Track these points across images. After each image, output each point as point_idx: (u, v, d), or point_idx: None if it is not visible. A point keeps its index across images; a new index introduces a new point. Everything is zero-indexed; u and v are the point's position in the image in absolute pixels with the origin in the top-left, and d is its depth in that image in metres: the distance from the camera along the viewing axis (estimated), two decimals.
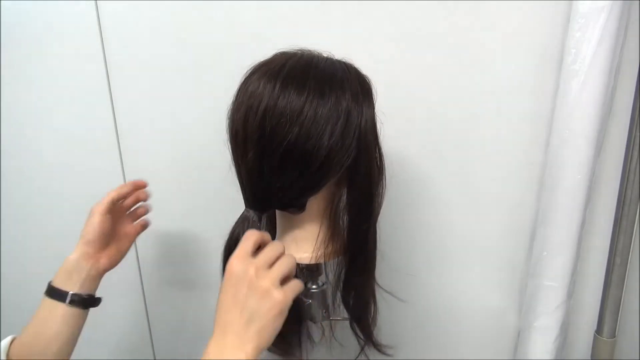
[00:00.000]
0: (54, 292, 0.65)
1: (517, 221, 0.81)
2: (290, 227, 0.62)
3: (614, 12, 0.63)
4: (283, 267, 0.54)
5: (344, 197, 0.62)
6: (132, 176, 0.90)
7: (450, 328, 0.90)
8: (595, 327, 0.78)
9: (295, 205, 0.59)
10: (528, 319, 0.79)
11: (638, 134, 0.68)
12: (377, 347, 0.71)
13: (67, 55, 0.84)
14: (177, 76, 0.83)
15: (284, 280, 0.53)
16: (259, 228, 0.58)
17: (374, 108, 0.58)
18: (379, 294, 0.69)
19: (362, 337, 0.70)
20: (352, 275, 0.65)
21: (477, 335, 0.89)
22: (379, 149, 0.60)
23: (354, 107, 0.54)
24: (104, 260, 0.69)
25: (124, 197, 0.73)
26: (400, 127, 0.77)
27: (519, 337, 0.83)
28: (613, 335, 0.77)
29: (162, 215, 0.91)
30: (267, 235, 0.56)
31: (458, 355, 0.91)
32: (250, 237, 0.54)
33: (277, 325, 0.51)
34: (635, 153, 0.68)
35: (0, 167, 0.92)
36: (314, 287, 0.68)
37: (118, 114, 0.86)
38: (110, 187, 0.90)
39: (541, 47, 0.72)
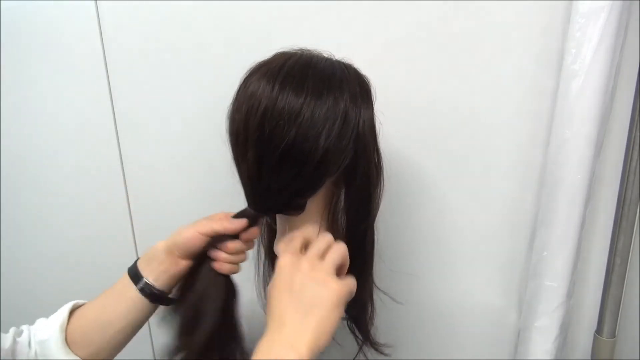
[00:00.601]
0: (133, 270, 0.62)
1: (517, 221, 0.81)
2: (290, 227, 0.63)
3: (614, 12, 0.63)
4: (335, 256, 0.54)
5: (342, 198, 0.62)
6: (132, 176, 0.90)
7: (449, 328, 0.90)
8: (595, 327, 0.78)
9: (292, 206, 0.59)
10: (528, 319, 0.79)
11: (638, 134, 0.68)
12: (375, 346, 0.71)
13: (67, 55, 0.84)
14: (177, 76, 0.83)
15: (339, 272, 0.53)
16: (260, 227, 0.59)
17: (372, 109, 0.58)
18: (377, 295, 0.69)
19: (359, 336, 0.70)
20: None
21: (477, 335, 0.89)
22: (378, 150, 0.60)
23: (351, 108, 0.54)
24: (183, 265, 0.63)
25: (230, 233, 0.62)
26: (399, 128, 0.77)
27: (519, 337, 0.83)
28: (613, 335, 0.77)
29: (162, 214, 0.91)
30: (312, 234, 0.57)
31: (458, 355, 0.91)
32: (298, 235, 0.56)
33: (336, 317, 0.50)
34: (635, 153, 0.68)
35: (0, 166, 0.92)
36: None
37: (118, 114, 0.86)
38: (110, 187, 0.90)
39: (541, 47, 0.72)
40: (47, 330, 0.62)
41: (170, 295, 0.63)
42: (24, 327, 0.63)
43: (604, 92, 0.67)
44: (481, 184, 0.80)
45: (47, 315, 0.66)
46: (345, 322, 0.70)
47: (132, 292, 0.62)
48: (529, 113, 0.75)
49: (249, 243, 0.62)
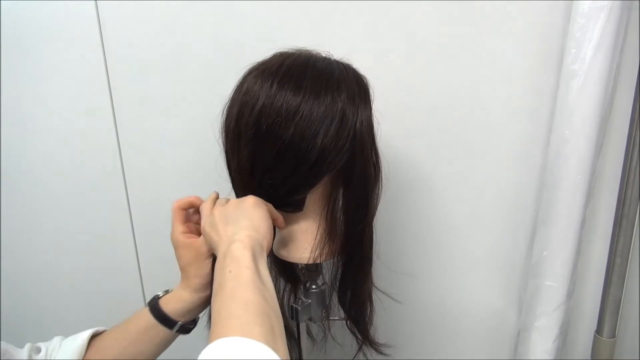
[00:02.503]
0: (162, 318, 0.61)
1: (517, 221, 0.81)
2: (289, 226, 0.63)
3: (614, 12, 0.63)
4: None
5: (341, 197, 0.62)
6: (132, 176, 0.90)
7: (449, 328, 0.90)
8: (595, 327, 0.78)
9: (289, 203, 0.59)
10: (528, 319, 0.79)
11: (638, 134, 0.68)
12: (374, 346, 0.71)
13: (67, 55, 0.84)
14: (177, 76, 0.83)
15: None
16: None
17: (371, 109, 0.58)
18: (377, 295, 0.69)
19: (358, 336, 0.70)
20: (349, 275, 0.65)
21: (477, 335, 0.89)
22: (376, 150, 0.60)
23: (349, 108, 0.55)
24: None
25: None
26: (399, 128, 0.77)
27: (519, 337, 0.83)
28: (613, 335, 0.77)
29: (162, 214, 0.91)
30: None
31: (458, 355, 0.91)
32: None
33: (260, 213, 0.55)
34: (635, 153, 0.68)
35: (0, 166, 0.92)
36: (313, 287, 0.68)
37: (118, 114, 0.86)
38: (109, 186, 0.90)
39: (541, 47, 0.72)
40: (66, 354, 0.60)
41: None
42: (42, 346, 0.62)
43: (604, 92, 0.67)
44: (481, 183, 0.80)
45: (47, 319, 0.66)
46: (344, 322, 0.70)
47: (163, 333, 0.61)
48: (529, 113, 0.75)
49: None
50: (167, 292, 0.63)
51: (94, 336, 0.63)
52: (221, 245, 0.52)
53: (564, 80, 0.68)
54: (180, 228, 0.62)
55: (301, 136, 0.53)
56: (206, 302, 0.62)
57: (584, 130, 0.68)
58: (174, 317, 0.61)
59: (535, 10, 0.70)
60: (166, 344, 0.63)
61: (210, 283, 0.61)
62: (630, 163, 0.69)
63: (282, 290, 0.75)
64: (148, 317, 0.61)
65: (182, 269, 0.61)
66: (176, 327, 0.61)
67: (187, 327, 0.63)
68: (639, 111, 0.67)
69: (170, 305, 0.61)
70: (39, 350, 0.62)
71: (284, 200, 0.58)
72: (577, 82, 0.66)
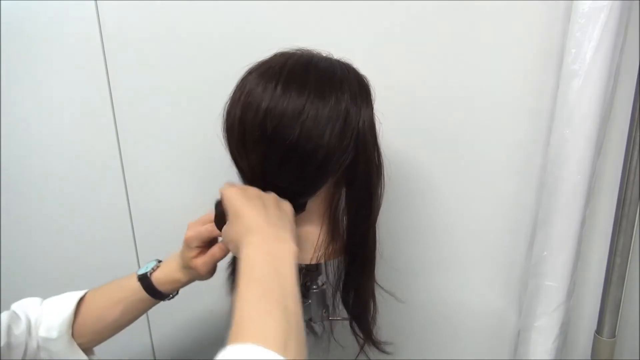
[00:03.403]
0: (155, 293, 0.65)
1: (517, 221, 0.81)
2: None
3: (614, 12, 0.63)
4: None
5: (344, 198, 0.61)
6: (132, 176, 0.90)
7: (450, 328, 0.90)
8: (595, 327, 0.78)
9: (293, 205, 0.59)
10: (528, 319, 0.79)
11: (638, 134, 0.68)
12: (377, 345, 0.71)
13: (67, 55, 0.84)
14: (177, 76, 0.83)
15: None
16: None
17: (372, 108, 0.58)
18: (379, 294, 0.69)
19: (361, 336, 0.70)
20: (352, 275, 0.65)
21: (477, 335, 0.89)
22: (378, 150, 0.60)
23: (352, 108, 0.54)
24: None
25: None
26: (399, 127, 0.77)
27: (519, 337, 0.83)
28: (613, 335, 0.77)
29: (162, 214, 0.91)
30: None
31: (458, 355, 0.91)
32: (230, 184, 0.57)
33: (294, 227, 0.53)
34: (635, 153, 0.68)
35: (0, 166, 0.92)
36: (313, 287, 0.69)
37: (118, 114, 0.86)
38: (109, 187, 0.90)
39: (541, 47, 0.72)
40: (53, 328, 0.62)
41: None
42: (19, 312, 0.62)
43: (604, 92, 0.67)
44: (481, 183, 0.80)
45: None
46: (345, 322, 0.70)
47: (150, 302, 0.66)
48: (529, 113, 0.75)
49: None
50: (157, 265, 0.67)
51: (79, 301, 0.65)
52: (262, 234, 0.48)
53: (564, 80, 0.68)
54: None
55: (308, 137, 0.52)
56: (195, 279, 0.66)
57: (584, 130, 0.68)
58: (164, 292, 0.66)
59: (535, 10, 0.70)
60: (151, 307, 0.68)
61: (212, 269, 0.64)
62: (630, 163, 0.69)
63: None
64: (140, 293, 0.65)
65: (186, 260, 0.64)
66: (166, 299, 0.67)
67: (172, 296, 0.69)
68: (639, 111, 0.67)
69: (163, 286, 0.65)
70: (18, 318, 0.61)
71: (290, 203, 0.58)
72: (577, 82, 0.66)
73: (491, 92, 0.75)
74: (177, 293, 0.69)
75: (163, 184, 0.90)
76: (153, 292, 0.65)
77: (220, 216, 0.58)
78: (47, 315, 0.63)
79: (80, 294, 0.66)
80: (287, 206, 0.55)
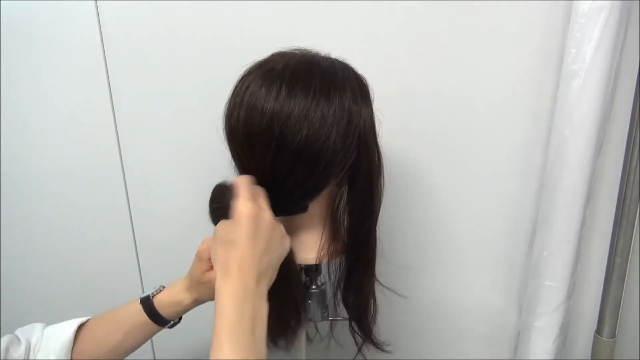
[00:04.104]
0: (156, 317, 0.64)
1: (517, 221, 0.81)
2: (292, 228, 0.62)
3: (614, 12, 0.63)
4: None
5: (345, 197, 0.61)
6: (132, 176, 0.90)
7: (450, 328, 0.90)
8: (595, 327, 0.78)
9: (297, 208, 0.59)
10: (528, 319, 0.79)
11: (638, 134, 0.68)
12: (377, 345, 0.71)
13: (67, 55, 0.84)
14: (177, 76, 0.83)
15: None
16: None
17: (372, 108, 0.58)
18: (380, 294, 0.69)
19: (361, 336, 0.69)
20: (353, 275, 0.65)
21: (477, 335, 0.89)
22: (378, 149, 0.60)
23: (354, 107, 0.54)
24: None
25: None
26: (399, 127, 0.77)
27: (519, 337, 0.83)
28: (613, 335, 0.77)
29: (162, 215, 0.91)
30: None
31: (458, 355, 0.91)
32: (245, 181, 0.54)
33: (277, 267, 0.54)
34: (635, 153, 0.68)
35: (0, 166, 0.92)
36: (313, 287, 0.68)
37: (118, 114, 0.86)
38: (109, 187, 0.90)
39: (541, 47, 0.72)
40: (52, 353, 0.61)
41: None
42: (20, 336, 0.62)
43: (604, 92, 0.67)
44: (481, 183, 0.80)
45: (47, 319, 0.66)
46: (344, 322, 0.70)
47: (154, 329, 0.65)
48: (529, 113, 0.75)
49: None
50: (160, 289, 0.66)
51: (79, 327, 0.64)
52: (251, 272, 0.50)
53: (564, 80, 0.68)
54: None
55: (315, 138, 0.52)
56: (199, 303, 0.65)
57: (584, 130, 0.68)
58: (167, 318, 0.64)
59: (535, 10, 0.70)
60: (153, 334, 0.66)
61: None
62: (630, 163, 0.69)
63: None
64: (141, 317, 0.64)
65: (197, 273, 0.63)
66: (167, 326, 0.65)
67: (175, 323, 0.67)
68: (639, 111, 0.67)
69: (166, 309, 0.64)
70: (18, 342, 0.61)
71: (294, 204, 0.58)
72: (577, 82, 0.66)
73: (491, 92, 0.75)
74: (180, 320, 0.68)
75: (163, 184, 0.90)
76: (155, 315, 0.64)
77: (219, 210, 0.56)
78: (47, 339, 0.63)
79: (82, 319, 0.65)
80: (287, 243, 0.55)
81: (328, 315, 0.70)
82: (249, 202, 0.51)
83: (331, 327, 0.78)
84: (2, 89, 0.87)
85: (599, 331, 0.78)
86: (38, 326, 0.65)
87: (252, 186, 0.54)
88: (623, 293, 0.75)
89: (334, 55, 0.60)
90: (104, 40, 0.82)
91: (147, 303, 0.64)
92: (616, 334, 0.77)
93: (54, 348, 0.61)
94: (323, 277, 0.69)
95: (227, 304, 0.48)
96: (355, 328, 0.69)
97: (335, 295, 0.70)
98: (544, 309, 0.77)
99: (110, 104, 0.86)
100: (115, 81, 0.85)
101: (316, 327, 0.77)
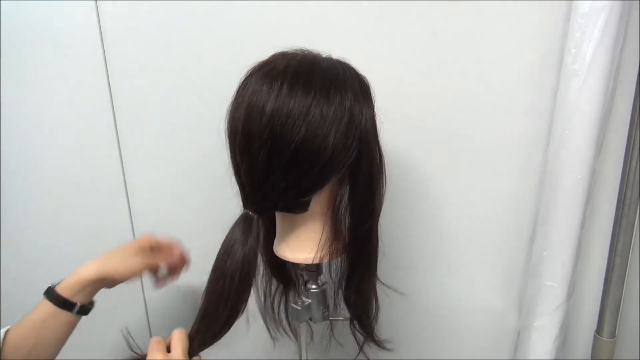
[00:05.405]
0: (61, 302, 0.64)
1: (517, 221, 0.81)
2: (292, 227, 0.62)
3: (614, 12, 0.63)
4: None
5: (346, 196, 0.62)
6: (132, 177, 0.90)
7: (450, 328, 0.90)
8: (595, 327, 0.78)
9: (296, 205, 0.59)
10: (528, 319, 0.79)
11: (638, 134, 0.68)
12: (378, 343, 0.71)
13: (67, 56, 0.84)
14: (177, 77, 0.83)
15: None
16: (257, 228, 0.58)
17: (373, 107, 0.58)
18: (381, 293, 0.69)
19: (363, 334, 0.70)
20: (354, 274, 0.65)
21: (477, 335, 0.89)
22: (379, 148, 0.60)
23: (355, 107, 0.55)
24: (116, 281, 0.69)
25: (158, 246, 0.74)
26: (400, 127, 0.77)
27: (519, 337, 0.83)
28: (613, 335, 0.77)
29: (162, 215, 0.91)
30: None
31: (458, 355, 0.91)
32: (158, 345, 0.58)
33: None
34: (635, 153, 0.68)
35: (0, 166, 0.92)
36: (313, 286, 0.68)
37: (118, 114, 0.86)
38: (109, 187, 0.90)
39: (541, 47, 0.72)
40: None
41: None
42: None
43: (604, 92, 0.67)
44: (481, 183, 0.80)
45: None
46: (347, 322, 0.70)
47: (65, 316, 0.65)
48: (529, 113, 0.75)
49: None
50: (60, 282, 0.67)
51: (5, 337, 0.65)
52: None
53: (564, 80, 0.68)
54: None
55: (313, 137, 0.52)
56: (98, 288, 0.67)
57: (584, 130, 0.68)
58: (72, 299, 0.65)
59: (535, 10, 0.70)
60: (73, 326, 0.67)
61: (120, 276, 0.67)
62: (630, 163, 0.69)
63: (273, 293, 0.75)
64: (48, 306, 0.64)
65: (108, 272, 0.66)
66: (76, 309, 0.65)
67: (87, 308, 0.67)
68: (639, 111, 0.67)
69: (68, 289, 0.65)
70: None
71: (294, 203, 0.58)
72: (577, 82, 0.66)
73: (491, 92, 0.75)
74: (92, 305, 0.68)
75: (163, 184, 0.90)
76: (60, 301, 0.64)
77: None
78: None
79: (7, 328, 0.66)
80: None
81: (329, 315, 0.70)
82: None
83: (331, 327, 0.78)
84: (2, 89, 0.87)
85: (599, 331, 0.78)
86: None
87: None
88: (623, 293, 0.75)
89: (335, 55, 0.60)
90: (104, 41, 0.82)
91: (49, 291, 0.65)
92: (616, 334, 0.77)
93: None
94: (324, 277, 0.70)
95: None
96: (357, 327, 0.69)
97: (336, 294, 0.70)
98: (544, 309, 0.77)
99: (110, 104, 0.86)
100: (115, 81, 0.85)
101: (311, 332, 0.77)
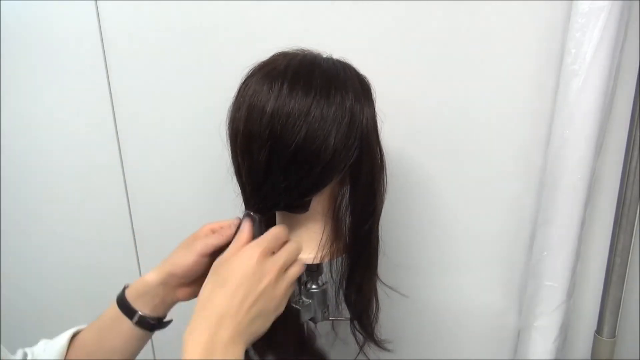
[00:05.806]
0: (124, 305, 0.60)
1: (517, 221, 0.81)
2: (293, 227, 0.62)
3: (614, 12, 0.63)
4: (296, 274, 0.56)
5: (347, 196, 0.62)
6: (132, 176, 0.90)
7: (450, 328, 0.90)
8: (595, 327, 0.78)
9: (297, 205, 0.59)
10: (528, 319, 0.79)
11: (638, 134, 0.68)
12: (378, 343, 0.71)
13: (67, 56, 0.84)
14: (178, 76, 0.83)
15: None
16: (259, 228, 0.58)
17: (374, 107, 0.59)
18: (381, 293, 0.69)
19: (363, 334, 0.70)
20: (355, 274, 0.65)
21: (477, 335, 0.89)
22: (380, 148, 0.60)
23: (356, 107, 0.55)
24: (182, 293, 0.63)
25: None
26: (400, 127, 0.77)
27: (519, 337, 0.83)
28: (613, 335, 0.77)
29: (162, 215, 0.91)
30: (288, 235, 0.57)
31: (458, 355, 0.91)
32: (278, 236, 0.55)
33: (267, 328, 0.53)
34: (635, 153, 0.68)
35: (0, 166, 0.92)
36: (314, 287, 0.68)
37: (118, 114, 0.86)
38: (109, 187, 0.90)
39: (541, 47, 0.72)
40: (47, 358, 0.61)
41: (165, 320, 0.64)
42: (28, 350, 0.62)
43: (604, 92, 0.67)
44: (481, 184, 0.80)
45: (47, 319, 0.66)
46: (348, 321, 0.70)
47: (126, 325, 0.61)
48: (529, 113, 0.75)
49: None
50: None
51: (75, 335, 0.63)
52: (229, 326, 0.49)
53: (564, 80, 0.68)
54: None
55: (314, 137, 0.52)
56: (169, 301, 0.62)
57: (584, 130, 0.68)
58: (133, 305, 0.60)
59: (535, 10, 0.70)
60: (135, 340, 0.62)
61: (183, 284, 0.62)
62: (630, 163, 0.69)
63: None
64: (114, 308, 0.61)
65: (169, 270, 0.61)
66: (135, 318, 0.60)
67: (149, 322, 0.61)
68: (639, 111, 0.67)
69: (132, 293, 0.61)
70: (26, 355, 0.61)
71: (294, 203, 0.58)
72: (577, 82, 0.66)
73: (491, 92, 0.75)
74: (158, 321, 0.63)
75: (163, 184, 0.90)
76: (124, 305, 0.60)
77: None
78: (43, 352, 0.62)
79: (75, 329, 0.64)
80: (282, 306, 0.55)
81: (329, 315, 0.70)
82: (260, 249, 0.52)
83: (333, 326, 0.78)
84: (2, 89, 0.87)
85: (599, 331, 0.78)
86: (43, 341, 0.63)
87: (278, 237, 0.55)
88: (623, 293, 0.75)
89: (336, 55, 0.60)
90: (104, 40, 0.82)
91: (121, 292, 0.62)
92: (616, 334, 0.77)
93: (50, 354, 0.60)
94: (324, 277, 0.69)
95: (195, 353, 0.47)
96: (357, 327, 0.69)
97: (337, 294, 0.70)
98: (544, 309, 0.77)
99: (110, 104, 0.86)
100: (115, 81, 0.85)
101: (315, 326, 0.76)
